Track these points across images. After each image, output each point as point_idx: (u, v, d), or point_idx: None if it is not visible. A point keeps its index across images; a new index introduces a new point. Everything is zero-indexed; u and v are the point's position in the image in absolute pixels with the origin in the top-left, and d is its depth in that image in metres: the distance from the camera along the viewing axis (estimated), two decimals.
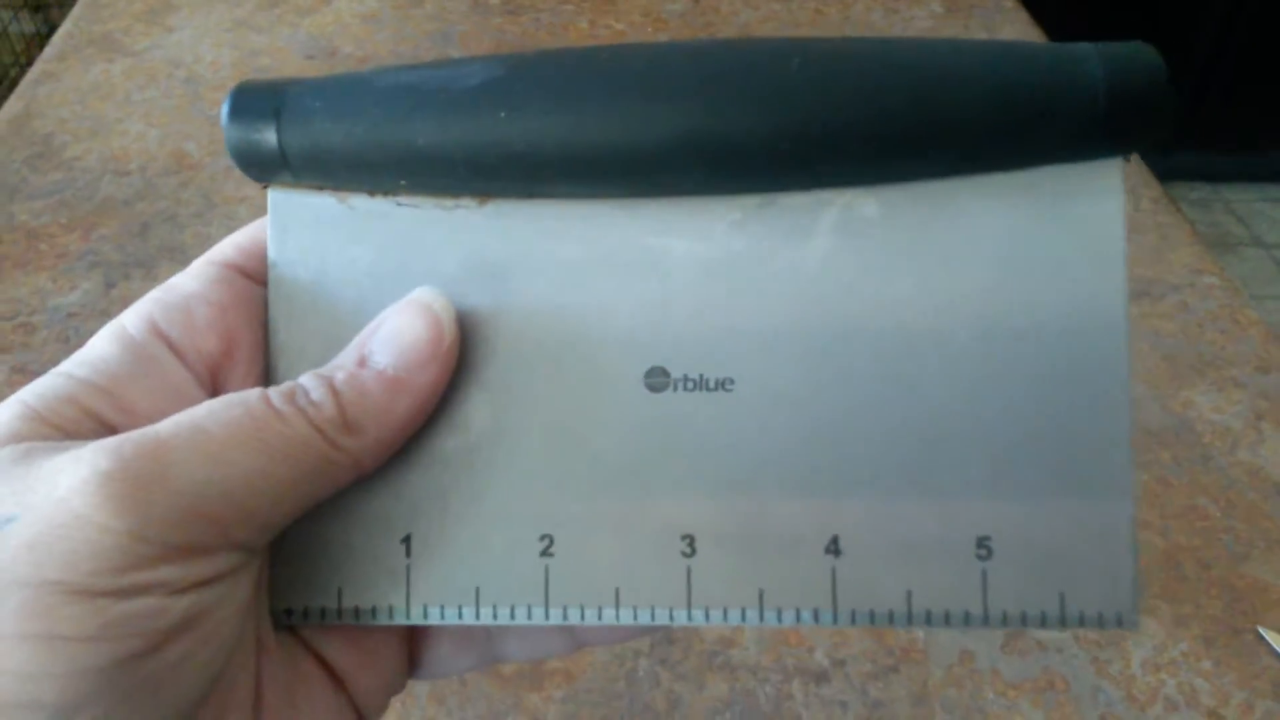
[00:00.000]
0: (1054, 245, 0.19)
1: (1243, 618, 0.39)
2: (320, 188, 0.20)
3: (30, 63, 0.71)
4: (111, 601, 0.15)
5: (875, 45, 0.19)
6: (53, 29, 0.75)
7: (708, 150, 0.18)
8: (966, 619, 0.19)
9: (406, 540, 0.19)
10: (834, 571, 0.19)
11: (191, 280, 0.19)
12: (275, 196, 0.20)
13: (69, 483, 0.15)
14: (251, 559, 0.17)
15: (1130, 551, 0.19)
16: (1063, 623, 0.19)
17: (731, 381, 0.19)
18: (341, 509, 0.19)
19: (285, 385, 0.17)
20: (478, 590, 0.19)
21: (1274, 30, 1.55)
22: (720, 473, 0.19)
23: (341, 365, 0.18)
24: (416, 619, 0.19)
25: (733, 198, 0.19)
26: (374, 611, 0.19)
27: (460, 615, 0.19)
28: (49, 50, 0.71)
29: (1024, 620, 0.19)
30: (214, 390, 0.19)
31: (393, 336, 0.18)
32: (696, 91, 0.18)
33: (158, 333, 0.18)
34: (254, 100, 0.19)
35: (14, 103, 0.65)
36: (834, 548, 0.19)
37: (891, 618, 0.19)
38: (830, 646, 0.38)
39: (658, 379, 0.19)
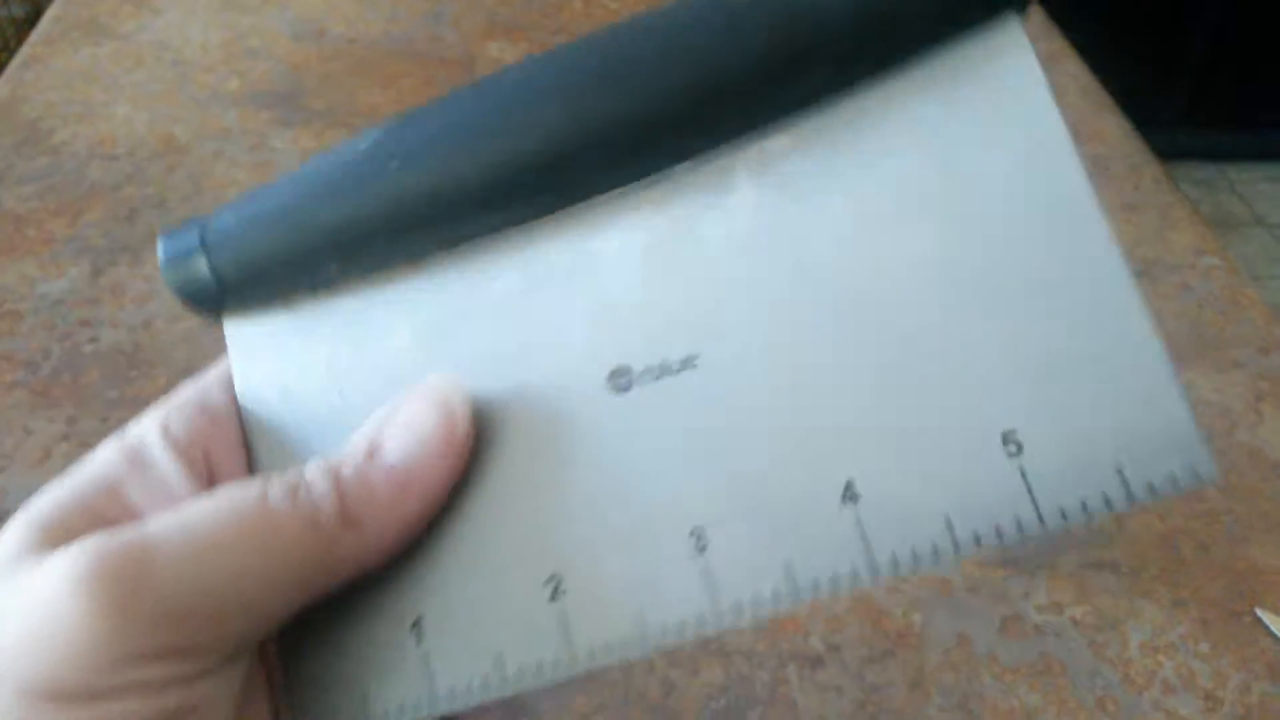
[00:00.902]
0: (979, 120, 0.17)
1: (1241, 600, 0.39)
2: (267, 303, 0.19)
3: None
4: (93, 703, 0.15)
5: None
6: (40, 13, 0.74)
7: (597, 146, 0.18)
8: (1020, 527, 0.16)
9: (416, 625, 0.18)
10: (858, 518, 0.17)
11: (195, 389, 0.19)
12: (230, 327, 0.20)
13: (51, 583, 0.15)
14: (243, 653, 0.17)
15: (1182, 397, 0.16)
16: (1129, 499, 0.16)
17: (695, 357, 0.18)
18: (347, 609, 0.18)
19: (289, 477, 0.17)
20: (499, 656, 0.18)
21: None
22: (709, 453, 0.18)
23: (351, 457, 0.17)
24: (444, 708, 0.18)
25: (645, 180, 0.19)
26: (401, 709, 0.18)
27: (487, 689, 0.18)
28: (36, 34, 0.70)
29: (1085, 509, 0.16)
30: None
31: (404, 429, 0.18)
32: (573, 92, 0.18)
33: (161, 436, 0.18)
34: (180, 238, 0.19)
35: (0, 88, 0.64)
36: (850, 493, 0.17)
37: (936, 552, 0.16)
38: (826, 631, 0.38)
39: (621, 379, 0.18)
